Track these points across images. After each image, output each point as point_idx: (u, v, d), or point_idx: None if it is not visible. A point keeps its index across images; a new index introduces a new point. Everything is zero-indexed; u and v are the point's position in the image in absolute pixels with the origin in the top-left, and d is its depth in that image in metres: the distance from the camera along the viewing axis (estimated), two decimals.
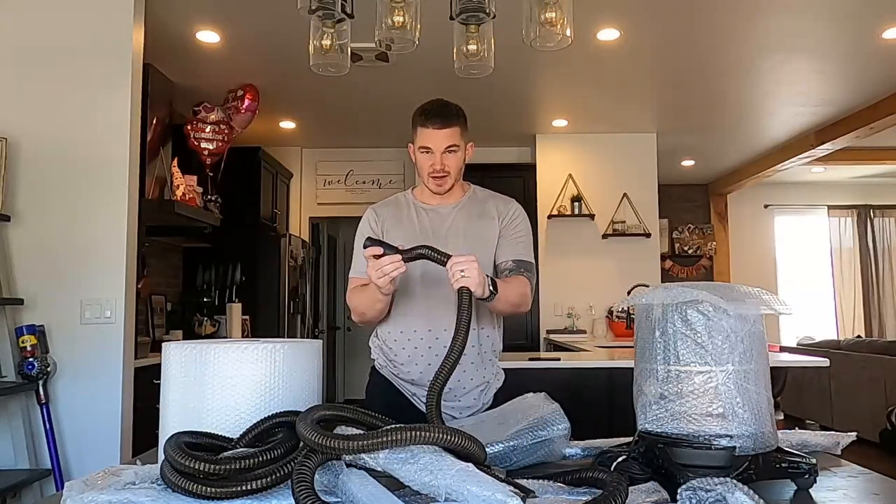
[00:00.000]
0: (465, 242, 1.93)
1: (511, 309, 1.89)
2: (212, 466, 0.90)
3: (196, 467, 0.89)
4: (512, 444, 1.19)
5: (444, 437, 0.90)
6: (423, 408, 1.96)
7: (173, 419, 1.10)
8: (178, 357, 1.11)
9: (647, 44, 4.42)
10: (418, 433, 0.89)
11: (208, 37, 4.19)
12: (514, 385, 1.96)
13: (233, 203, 5.27)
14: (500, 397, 1.99)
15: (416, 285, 1.92)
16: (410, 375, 1.95)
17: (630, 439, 1.18)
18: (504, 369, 2.09)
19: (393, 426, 0.93)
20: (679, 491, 0.91)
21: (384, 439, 0.88)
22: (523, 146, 6.85)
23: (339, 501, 0.89)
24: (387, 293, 1.76)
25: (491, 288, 1.66)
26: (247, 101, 4.84)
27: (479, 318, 1.94)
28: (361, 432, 0.92)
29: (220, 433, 1.05)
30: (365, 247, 1.62)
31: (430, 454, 0.89)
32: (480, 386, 1.98)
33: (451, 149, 1.92)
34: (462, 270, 1.53)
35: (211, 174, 4.92)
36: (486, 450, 1.16)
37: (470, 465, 0.88)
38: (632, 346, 1.27)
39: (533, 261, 2.01)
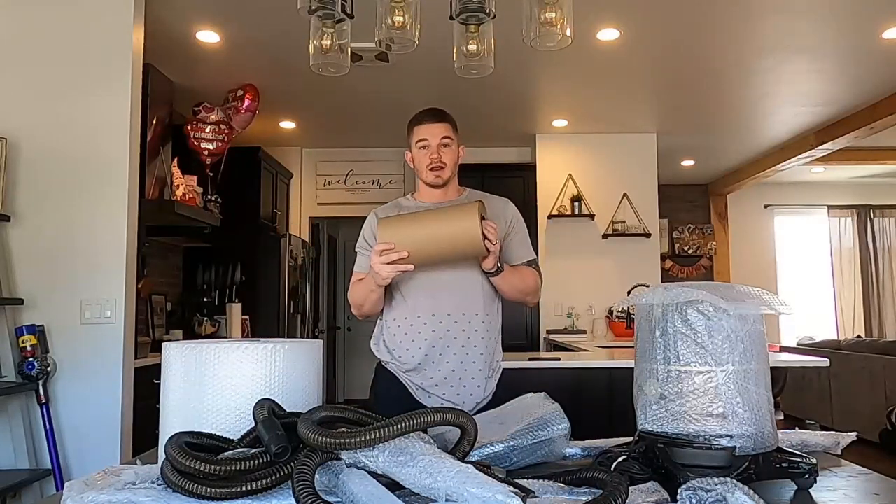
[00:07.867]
0: None
1: (519, 296, 2.04)
2: (212, 466, 0.90)
3: (196, 467, 0.89)
4: (512, 444, 1.19)
5: (434, 417, 0.94)
6: (424, 401, 1.99)
7: (173, 419, 1.10)
8: (178, 357, 1.11)
9: (647, 44, 4.42)
10: (410, 421, 0.91)
11: (208, 37, 4.19)
12: (514, 385, 1.96)
13: (233, 203, 5.27)
14: (500, 392, 2.02)
15: (418, 270, 1.96)
16: (414, 361, 1.99)
17: (630, 439, 1.18)
18: (504, 369, 2.10)
19: (384, 420, 0.93)
20: (679, 491, 0.91)
21: (377, 434, 0.89)
22: (523, 146, 6.85)
23: (339, 501, 0.89)
24: (381, 284, 1.87)
25: (499, 264, 1.90)
26: (247, 101, 4.84)
27: (486, 304, 2.03)
28: (359, 429, 0.92)
29: (220, 433, 1.04)
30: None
31: (429, 456, 0.89)
32: (485, 372, 2.03)
33: (446, 140, 2.05)
34: (492, 230, 1.78)
35: (211, 174, 4.92)
36: (486, 450, 1.17)
37: (469, 466, 0.88)
38: (632, 346, 1.27)
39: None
